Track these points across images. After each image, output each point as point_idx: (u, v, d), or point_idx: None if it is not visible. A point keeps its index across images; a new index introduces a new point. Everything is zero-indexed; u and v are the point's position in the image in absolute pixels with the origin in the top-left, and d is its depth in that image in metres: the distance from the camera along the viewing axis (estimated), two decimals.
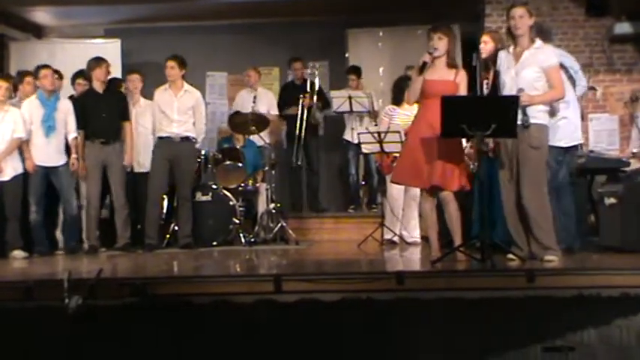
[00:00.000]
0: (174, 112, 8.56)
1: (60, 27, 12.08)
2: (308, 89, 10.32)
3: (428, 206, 6.34)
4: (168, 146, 8.52)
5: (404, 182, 6.76)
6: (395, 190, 8.54)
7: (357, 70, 10.57)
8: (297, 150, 10.13)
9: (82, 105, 8.48)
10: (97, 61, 8.51)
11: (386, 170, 8.64)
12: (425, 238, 8.33)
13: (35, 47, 11.41)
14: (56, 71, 8.74)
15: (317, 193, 10.76)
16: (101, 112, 8.40)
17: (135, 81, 9.07)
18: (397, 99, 8.68)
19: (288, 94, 10.54)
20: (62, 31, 12.10)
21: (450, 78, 6.20)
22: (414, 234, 8.53)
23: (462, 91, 6.25)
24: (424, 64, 6.13)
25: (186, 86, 8.73)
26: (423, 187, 6.26)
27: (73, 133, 8.31)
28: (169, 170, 8.54)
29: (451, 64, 6.26)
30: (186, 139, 8.60)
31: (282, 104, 10.51)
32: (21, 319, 5.17)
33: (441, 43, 6.16)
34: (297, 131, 10.10)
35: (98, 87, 8.51)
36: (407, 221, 8.55)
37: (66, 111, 8.29)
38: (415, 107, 8.50)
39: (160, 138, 8.57)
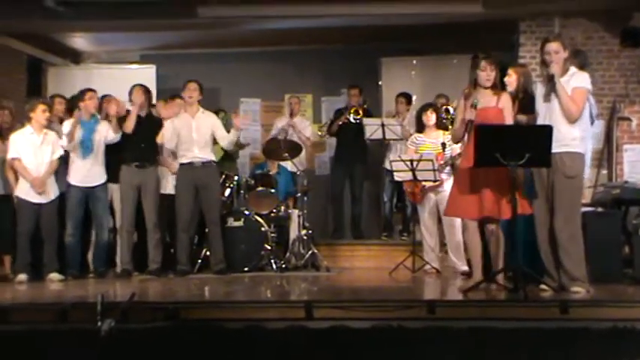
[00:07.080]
0: (194, 132, 8.48)
1: (97, 53, 12.29)
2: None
3: (476, 238, 6.31)
4: (191, 172, 8.46)
5: (457, 214, 6.71)
6: (427, 219, 8.50)
7: (408, 95, 10.58)
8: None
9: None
10: (132, 87, 8.63)
11: (417, 199, 8.58)
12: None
13: (72, 72, 11.64)
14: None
15: (359, 220, 10.72)
16: (138, 136, 8.45)
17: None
18: (421, 127, 8.71)
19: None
20: (99, 56, 12.31)
21: (493, 104, 6.30)
22: (464, 263, 8.19)
23: (507, 114, 6.34)
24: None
25: (202, 109, 8.65)
26: (475, 219, 6.25)
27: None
28: (196, 195, 8.52)
29: (495, 90, 6.36)
30: (208, 163, 8.56)
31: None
32: (54, 342, 5.21)
33: (493, 74, 6.32)
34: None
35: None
36: (457, 251, 8.24)
37: (105, 134, 8.40)
38: (440, 134, 8.56)
39: (182, 164, 8.54)
